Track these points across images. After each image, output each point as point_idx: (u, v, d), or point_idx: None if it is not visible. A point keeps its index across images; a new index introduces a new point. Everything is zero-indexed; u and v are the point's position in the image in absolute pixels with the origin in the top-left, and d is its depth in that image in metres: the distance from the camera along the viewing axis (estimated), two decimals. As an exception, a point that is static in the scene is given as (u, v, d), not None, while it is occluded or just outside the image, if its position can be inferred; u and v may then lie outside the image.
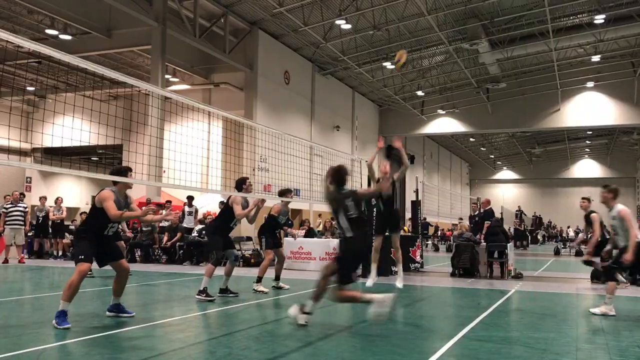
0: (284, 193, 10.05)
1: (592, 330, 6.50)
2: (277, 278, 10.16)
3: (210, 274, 8.34)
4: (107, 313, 6.71)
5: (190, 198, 17.64)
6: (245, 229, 25.45)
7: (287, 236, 14.09)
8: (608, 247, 9.40)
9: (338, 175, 6.48)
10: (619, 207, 7.84)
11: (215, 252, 8.76)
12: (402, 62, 8.78)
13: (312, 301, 6.31)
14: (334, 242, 15.17)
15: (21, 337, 5.51)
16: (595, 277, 11.79)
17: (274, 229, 10.12)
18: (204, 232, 15.94)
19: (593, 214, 10.44)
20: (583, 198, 10.90)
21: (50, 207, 17.20)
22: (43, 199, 17.37)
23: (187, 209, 17.38)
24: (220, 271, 8.91)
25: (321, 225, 29.66)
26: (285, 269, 13.72)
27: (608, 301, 7.47)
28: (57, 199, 17.60)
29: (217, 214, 9.74)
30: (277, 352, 5.03)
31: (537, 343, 5.58)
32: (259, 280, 9.55)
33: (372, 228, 10.95)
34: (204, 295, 8.23)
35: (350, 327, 6.54)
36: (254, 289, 9.43)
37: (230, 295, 8.78)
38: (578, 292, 10.25)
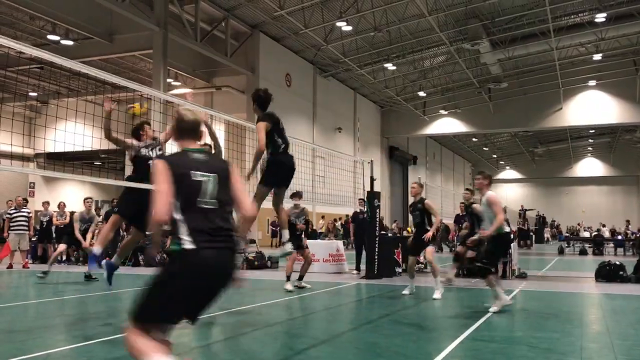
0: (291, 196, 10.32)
1: (597, 330, 6.48)
2: (300, 278, 10.41)
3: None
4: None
5: None
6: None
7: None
8: (475, 236, 8.86)
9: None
10: (489, 193, 7.87)
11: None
12: (136, 112, 7.86)
13: None
14: (337, 244, 15.18)
15: (25, 342, 5.52)
16: (600, 276, 11.77)
17: (293, 232, 10.13)
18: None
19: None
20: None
21: (54, 212, 17.23)
22: (46, 204, 17.40)
23: None
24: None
25: (324, 227, 29.70)
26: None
27: (494, 293, 7.58)
28: (60, 204, 17.62)
29: None
30: (281, 355, 5.03)
31: (542, 343, 5.57)
32: (287, 278, 10.03)
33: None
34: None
35: (353, 329, 6.54)
36: (284, 289, 9.81)
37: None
38: (582, 291, 10.23)
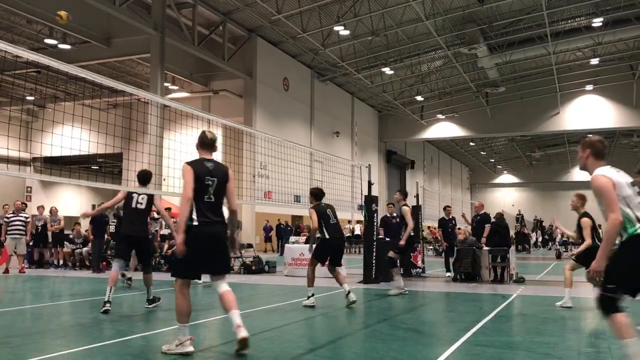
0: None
1: (595, 334, 6.48)
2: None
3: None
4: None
5: None
6: (247, 236, 25.46)
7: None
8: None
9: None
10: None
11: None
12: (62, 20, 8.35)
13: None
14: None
15: (21, 347, 5.49)
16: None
17: None
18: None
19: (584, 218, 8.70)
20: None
21: (48, 216, 17.20)
22: (41, 208, 17.36)
23: None
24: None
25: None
26: (287, 275, 13.77)
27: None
28: (52, 208, 17.60)
29: None
30: (278, 360, 5.00)
31: (539, 348, 5.56)
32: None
33: None
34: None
35: (351, 334, 6.52)
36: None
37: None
38: (580, 295, 10.21)
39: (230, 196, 5.30)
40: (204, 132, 5.34)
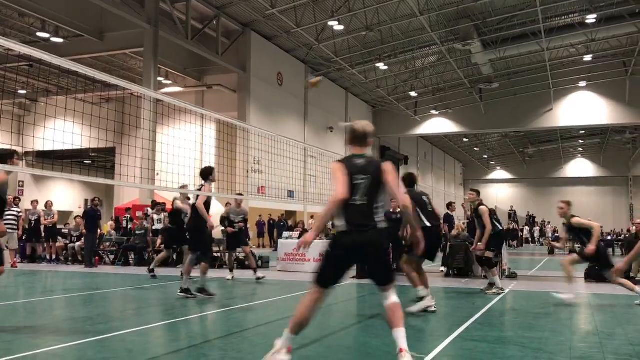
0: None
1: (586, 329, 6.51)
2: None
3: (204, 271, 8.39)
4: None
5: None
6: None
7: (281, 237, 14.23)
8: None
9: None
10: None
11: (204, 252, 8.83)
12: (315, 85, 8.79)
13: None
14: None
15: (13, 343, 5.47)
16: (589, 276, 11.83)
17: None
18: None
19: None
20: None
21: (42, 210, 17.12)
22: (35, 202, 17.28)
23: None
24: (218, 273, 8.89)
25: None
26: (280, 271, 13.78)
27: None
28: (47, 202, 17.51)
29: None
30: (271, 355, 5.00)
31: (532, 343, 5.58)
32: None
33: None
34: (206, 293, 8.28)
35: (344, 329, 6.53)
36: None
37: (190, 296, 8.57)
38: (572, 291, 10.26)
39: (394, 191, 4.53)
40: (353, 124, 4.63)
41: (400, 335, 4.25)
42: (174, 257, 14.52)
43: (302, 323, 4.42)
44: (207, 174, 8.85)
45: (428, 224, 7.59)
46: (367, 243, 4.28)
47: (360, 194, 4.29)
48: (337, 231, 4.36)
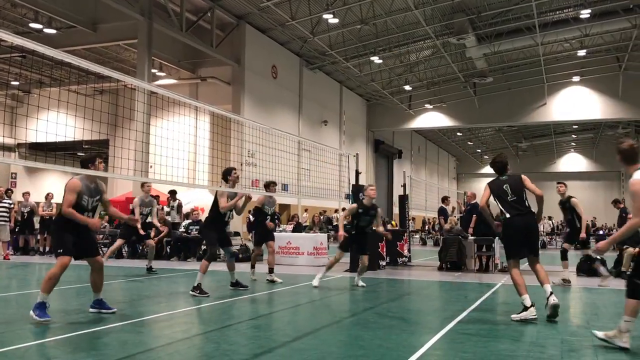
0: (268, 185, 10.48)
1: (578, 323, 6.57)
2: (271, 271, 10.41)
3: (204, 269, 8.32)
4: (90, 309, 6.68)
5: (173, 192, 17.45)
6: (233, 224, 25.40)
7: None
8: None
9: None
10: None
11: (209, 247, 8.76)
12: None
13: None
14: (322, 237, 15.18)
15: (4, 335, 5.46)
16: (581, 270, 11.91)
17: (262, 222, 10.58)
18: (190, 227, 15.91)
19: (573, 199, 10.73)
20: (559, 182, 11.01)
21: (39, 202, 17.06)
22: (27, 194, 17.20)
23: (170, 203, 17.23)
24: (217, 267, 8.86)
25: (309, 220, 29.69)
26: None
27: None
28: (48, 194, 17.42)
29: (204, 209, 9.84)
30: (264, 347, 5.02)
31: (523, 336, 5.63)
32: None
33: None
34: (198, 291, 8.19)
35: (337, 322, 6.55)
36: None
37: (241, 288, 8.90)
38: (562, 284, 10.33)
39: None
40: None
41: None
42: (126, 248, 15.68)
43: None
44: (225, 174, 8.82)
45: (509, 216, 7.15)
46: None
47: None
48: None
